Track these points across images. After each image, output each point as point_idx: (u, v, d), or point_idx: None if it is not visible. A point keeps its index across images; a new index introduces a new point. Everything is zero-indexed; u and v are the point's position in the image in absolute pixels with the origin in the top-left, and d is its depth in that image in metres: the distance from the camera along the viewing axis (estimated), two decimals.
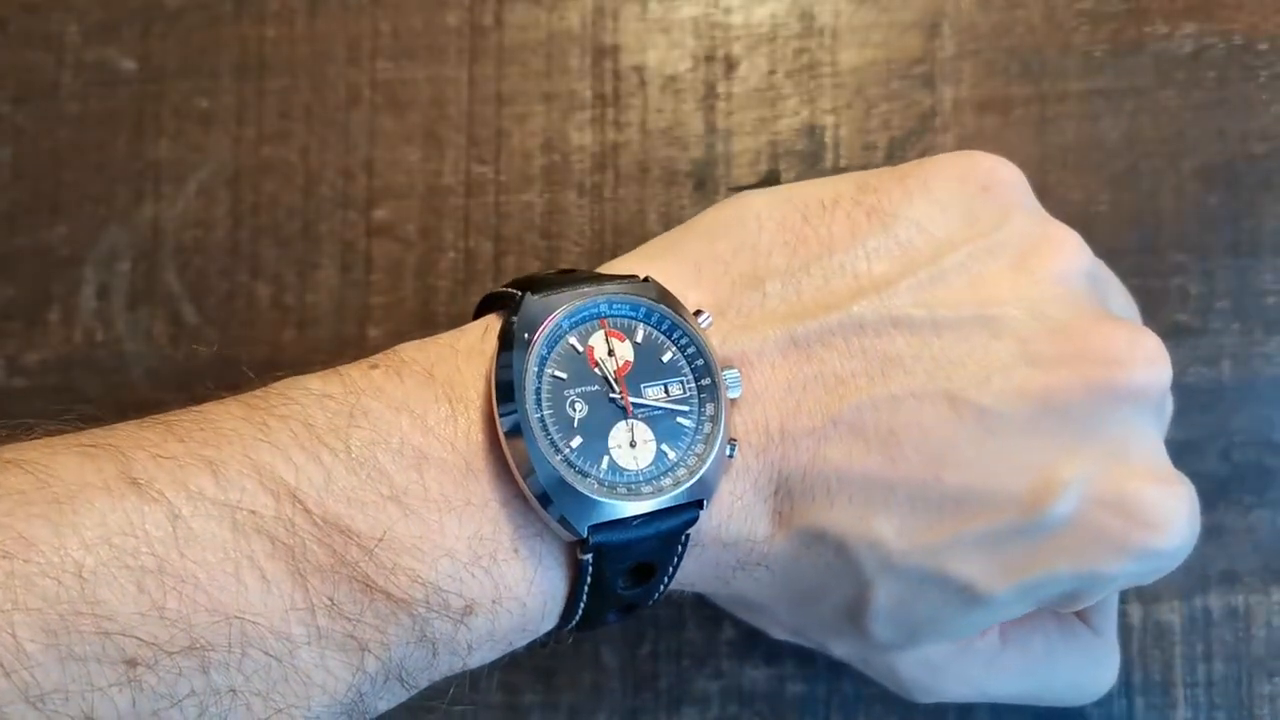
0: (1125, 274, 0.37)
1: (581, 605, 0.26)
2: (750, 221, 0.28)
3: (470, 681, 0.38)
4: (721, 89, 0.39)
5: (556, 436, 0.25)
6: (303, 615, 0.23)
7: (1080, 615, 0.31)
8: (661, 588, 0.27)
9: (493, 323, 0.27)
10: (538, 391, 0.25)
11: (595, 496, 0.24)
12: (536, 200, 0.39)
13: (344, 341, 0.39)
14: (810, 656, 0.37)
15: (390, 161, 0.40)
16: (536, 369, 0.25)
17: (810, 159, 0.39)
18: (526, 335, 0.25)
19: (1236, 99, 0.37)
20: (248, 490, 0.23)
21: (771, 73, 0.39)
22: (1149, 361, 0.26)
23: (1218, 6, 0.38)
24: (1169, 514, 0.26)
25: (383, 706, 0.25)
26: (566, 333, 0.25)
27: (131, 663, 0.21)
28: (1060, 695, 0.32)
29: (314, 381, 0.25)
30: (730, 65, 0.39)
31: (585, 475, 0.24)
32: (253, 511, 0.23)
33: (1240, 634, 0.36)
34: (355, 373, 0.25)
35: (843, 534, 0.26)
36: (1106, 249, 0.36)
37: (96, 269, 0.40)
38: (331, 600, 0.23)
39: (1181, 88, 0.38)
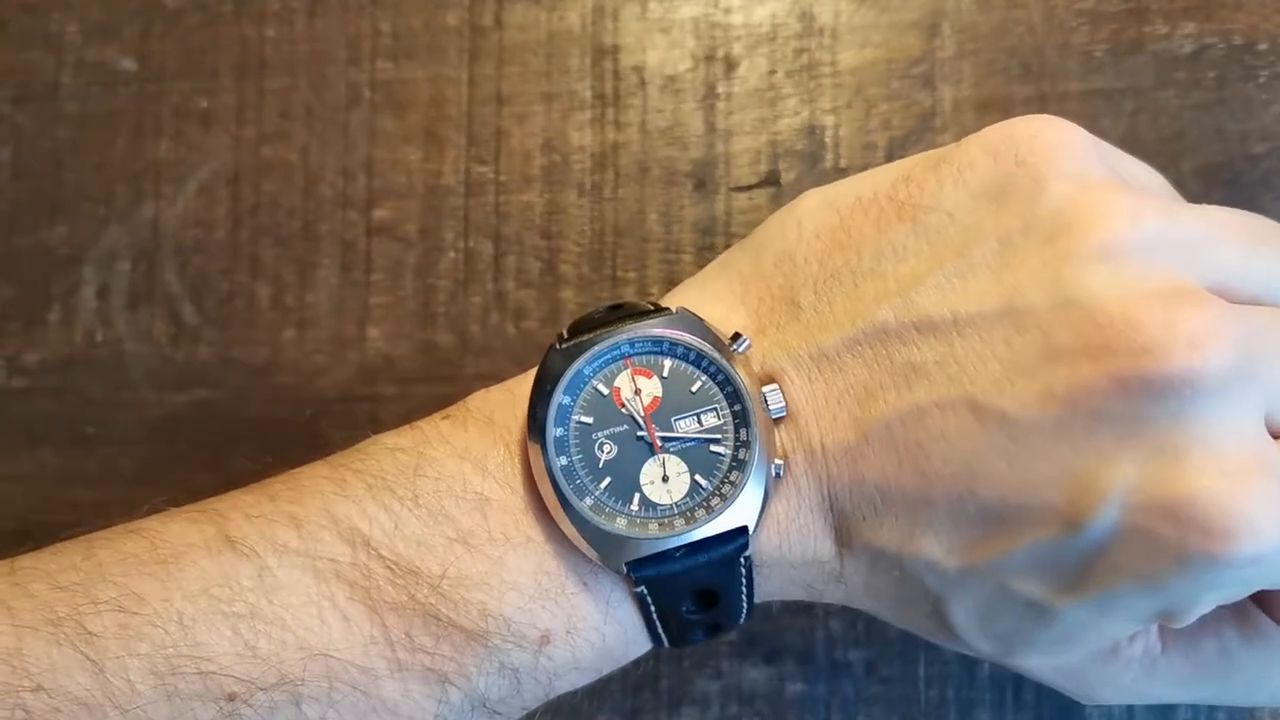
0: None
1: (660, 630, 0.27)
2: (792, 229, 0.27)
3: None
4: (721, 89, 0.39)
5: (585, 480, 0.26)
6: (382, 649, 0.25)
7: (1269, 607, 0.27)
8: (743, 607, 0.27)
9: None
10: (562, 440, 0.26)
11: (624, 534, 0.25)
12: (536, 200, 0.39)
13: (344, 341, 0.39)
14: (810, 656, 0.37)
15: (390, 161, 0.40)
16: (559, 418, 0.26)
17: (810, 159, 0.39)
18: (549, 387, 0.26)
19: (1236, 99, 0.37)
20: (326, 541, 0.25)
21: (771, 73, 0.39)
22: (1191, 345, 0.22)
23: (1218, 6, 0.38)
24: (1232, 514, 0.22)
25: None
26: (590, 378, 0.26)
27: (230, 697, 0.24)
28: (1248, 699, 0.29)
29: (389, 437, 0.27)
30: (730, 65, 0.39)
31: (616, 515, 0.25)
32: (332, 560, 0.25)
33: None
34: (426, 425, 0.27)
35: (897, 553, 0.25)
36: None
37: (96, 269, 0.40)
38: (408, 635, 0.25)
39: (1181, 88, 0.38)
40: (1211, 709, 0.35)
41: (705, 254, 0.38)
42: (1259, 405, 0.23)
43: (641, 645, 0.27)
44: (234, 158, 0.40)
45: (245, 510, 0.26)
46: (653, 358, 0.26)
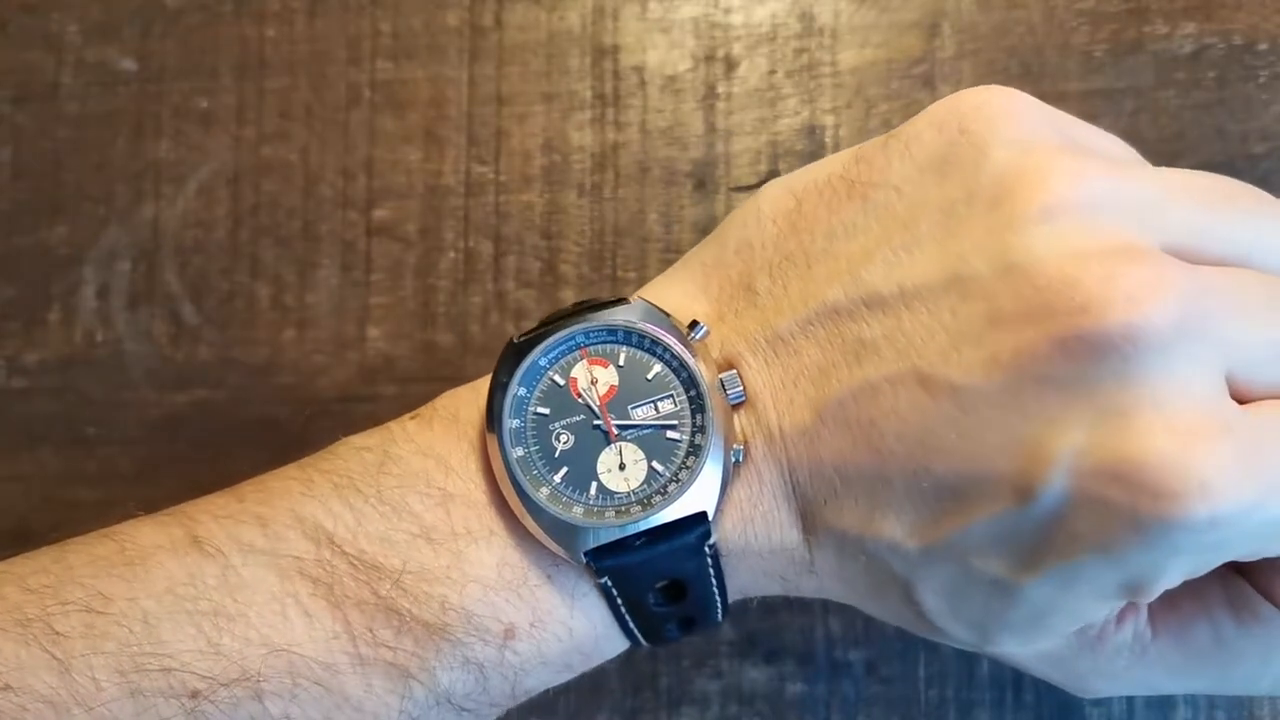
0: None
1: (630, 625, 0.27)
2: (752, 217, 0.28)
3: None
4: (721, 89, 0.39)
5: (542, 470, 0.26)
6: (344, 645, 0.25)
7: (1267, 590, 0.26)
8: (715, 601, 0.27)
9: None
10: (518, 431, 0.26)
11: (581, 523, 0.25)
12: (536, 200, 0.39)
13: (344, 342, 0.39)
14: (810, 656, 0.37)
15: (390, 161, 0.40)
16: (515, 409, 0.26)
17: (810, 159, 0.39)
18: (505, 379, 0.26)
19: (1236, 99, 0.37)
20: (290, 539, 0.25)
21: (771, 73, 0.39)
22: (1132, 300, 0.21)
23: (1218, 6, 0.38)
24: (1185, 474, 0.20)
25: None
26: (546, 370, 0.26)
27: (193, 694, 0.24)
28: (1251, 688, 0.27)
29: (358, 438, 0.28)
30: (730, 65, 0.39)
31: (572, 503, 0.26)
32: (295, 557, 0.25)
33: None
34: (394, 425, 0.28)
35: (859, 536, 0.25)
36: None
37: (96, 269, 0.40)
38: (370, 630, 0.25)
39: (1181, 88, 0.38)
40: (1211, 706, 0.35)
41: None
42: (1213, 364, 0.22)
43: (615, 642, 0.27)
44: (234, 158, 0.40)
45: (213, 512, 0.26)
46: (609, 347, 0.27)
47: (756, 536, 0.26)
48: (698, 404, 0.26)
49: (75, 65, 0.41)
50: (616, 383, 0.26)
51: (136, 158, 0.40)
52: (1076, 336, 0.21)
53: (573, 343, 0.27)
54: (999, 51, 0.38)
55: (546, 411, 0.26)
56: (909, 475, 0.24)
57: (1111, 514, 0.22)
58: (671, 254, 0.39)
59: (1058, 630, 0.26)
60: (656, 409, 0.26)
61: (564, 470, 0.26)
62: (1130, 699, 0.36)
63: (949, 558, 0.24)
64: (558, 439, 0.26)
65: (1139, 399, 0.21)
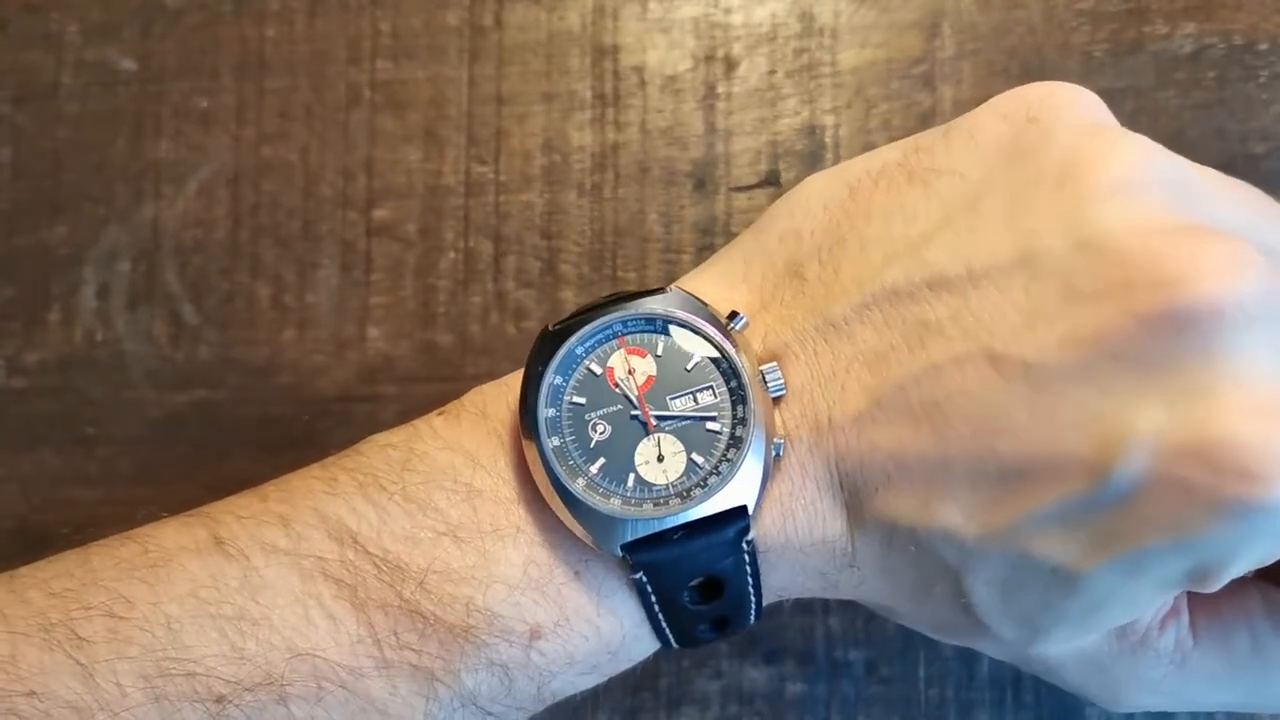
0: None
1: (662, 624, 0.26)
2: (799, 206, 0.27)
3: None
4: (721, 89, 0.39)
5: (579, 460, 0.25)
6: (369, 648, 0.25)
7: None
8: (750, 601, 0.26)
9: None
10: (554, 420, 0.25)
11: (619, 514, 0.25)
12: (536, 200, 0.39)
13: (344, 341, 0.39)
14: (810, 656, 0.37)
15: (390, 161, 0.40)
16: (551, 398, 0.25)
17: (810, 159, 0.39)
18: (540, 368, 0.25)
19: (1236, 99, 0.37)
20: (313, 539, 0.25)
21: (771, 73, 0.39)
22: (1216, 274, 0.21)
23: (1218, 6, 0.38)
24: (1271, 457, 0.20)
25: None
26: (582, 358, 0.26)
27: (218, 699, 0.24)
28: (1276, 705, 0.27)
29: (383, 435, 0.27)
30: (730, 65, 0.39)
31: (610, 495, 0.25)
32: (318, 558, 0.25)
33: None
34: (421, 422, 0.27)
35: (912, 525, 0.24)
36: None
37: (96, 269, 0.40)
38: (394, 633, 0.25)
39: (1181, 88, 0.38)
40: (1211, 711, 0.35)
41: (705, 254, 0.38)
42: None
43: (645, 643, 0.26)
44: (234, 158, 0.40)
45: (236, 512, 0.26)
46: (646, 336, 0.26)
47: (798, 531, 0.25)
48: (739, 395, 0.25)
49: (75, 65, 0.41)
50: (655, 373, 0.26)
51: (136, 158, 0.40)
52: (1162, 310, 0.21)
53: (610, 331, 0.26)
54: (999, 51, 0.38)
55: (583, 401, 0.26)
56: (973, 458, 0.23)
57: (1190, 496, 0.21)
58: (671, 254, 0.39)
59: (1113, 620, 0.25)
60: (696, 400, 0.26)
61: (601, 461, 0.25)
62: None
63: (1008, 544, 0.23)
64: (594, 429, 0.25)
65: (1222, 376, 0.21)
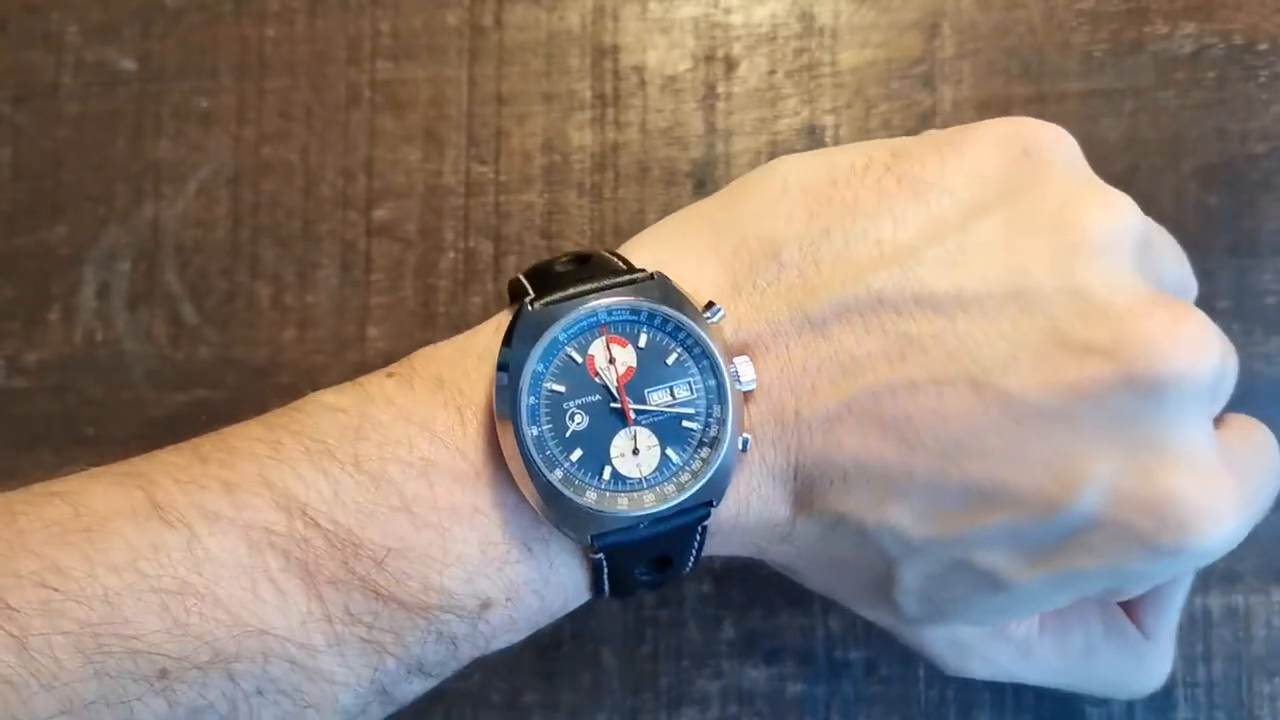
0: None
1: (605, 590, 0.26)
2: (776, 184, 0.27)
3: (473, 679, 0.38)
4: (721, 89, 0.39)
5: (555, 451, 0.25)
6: (320, 624, 0.24)
7: (1133, 614, 0.30)
8: (687, 568, 0.27)
9: (503, 320, 0.27)
10: (533, 409, 0.25)
11: (594, 508, 0.24)
12: (536, 200, 0.39)
13: (344, 341, 0.39)
14: (810, 656, 0.37)
15: (390, 161, 0.40)
16: (531, 386, 0.25)
17: None
18: (522, 352, 0.25)
19: (1236, 99, 0.37)
20: (260, 508, 0.24)
21: (771, 73, 0.39)
22: (1192, 351, 0.23)
23: (1218, 6, 0.38)
24: (1204, 513, 0.23)
25: (415, 690, 0.26)
26: (564, 345, 0.25)
27: (162, 674, 0.23)
28: (1097, 690, 0.31)
29: (330, 395, 0.26)
30: (730, 65, 0.39)
31: (585, 488, 0.25)
32: (266, 529, 0.24)
33: (1240, 634, 0.36)
34: (370, 383, 0.26)
35: (861, 520, 0.25)
36: None
37: (96, 269, 0.40)
38: (346, 608, 0.24)
39: (1181, 88, 0.38)
40: (1211, 707, 0.35)
41: None
42: (1216, 408, 0.26)
43: (579, 601, 0.27)
44: (234, 158, 0.40)
45: (174, 474, 0.24)
46: (630, 326, 0.25)
47: (749, 516, 0.26)
48: (716, 395, 0.25)
49: (75, 65, 0.41)
50: (634, 364, 0.25)
51: (136, 158, 0.40)
52: (1143, 374, 0.23)
53: (595, 320, 0.25)
54: (999, 51, 0.38)
55: (562, 389, 0.25)
56: (937, 474, 0.24)
57: (1132, 537, 0.24)
58: None
59: (1016, 617, 0.28)
60: (672, 394, 0.25)
61: (578, 452, 0.25)
62: (1130, 702, 0.36)
63: (953, 550, 0.25)
64: (571, 419, 0.25)
65: (1173, 437, 0.24)
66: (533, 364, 0.25)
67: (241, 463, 0.24)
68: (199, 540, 0.23)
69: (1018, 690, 0.36)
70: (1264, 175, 0.37)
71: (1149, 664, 0.30)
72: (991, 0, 0.39)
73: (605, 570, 0.26)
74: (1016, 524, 0.24)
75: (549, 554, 0.25)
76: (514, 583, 0.25)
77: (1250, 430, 0.27)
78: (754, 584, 0.37)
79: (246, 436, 0.25)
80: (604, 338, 0.25)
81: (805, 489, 0.26)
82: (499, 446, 0.25)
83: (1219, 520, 0.24)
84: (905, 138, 0.28)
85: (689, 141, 0.39)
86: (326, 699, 0.24)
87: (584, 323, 0.25)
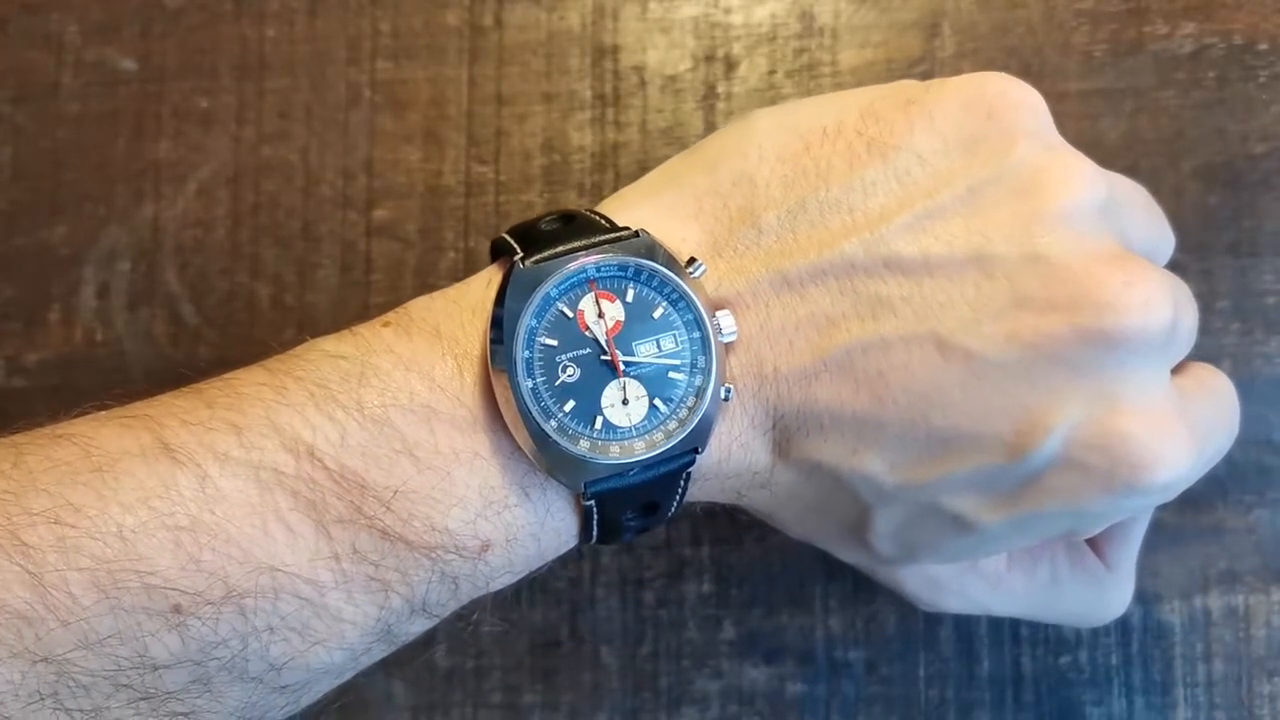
0: None
1: (594, 535, 0.28)
2: (752, 151, 0.28)
3: (473, 680, 0.38)
4: (721, 89, 0.39)
5: (550, 402, 0.26)
6: (328, 562, 0.25)
7: (1096, 547, 0.32)
8: (670, 514, 0.28)
9: (494, 275, 0.28)
10: (529, 362, 0.26)
11: (587, 456, 0.26)
12: (536, 200, 0.39)
13: None
14: (810, 656, 0.37)
15: (390, 161, 0.40)
16: (526, 340, 0.26)
17: None
18: (515, 308, 0.26)
19: (1236, 99, 0.37)
20: (269, 450, 0.25)
21: (771, 73, 0.39)
22: (1144, 306, 0.25)
23: (1218, 6, 0.38)
24: (1156, 453, 0.25)
25: (415, 630, 0.27)
26: (555, 300, 0.26)
27: (176, 609, 0.23)
28: (1062, 619, 0.33)
29: (329, 343, 0.27)
30: (730, 65, 0.39)
31: (579, 437, 0.26)
32: (275, 469, 0.24)
33: (1240, 634, 0.36)
34: (367, 331, 0.27)
35: (836, 466, 0.27)
36: None
37: (96, 269, 0.40)
38: (354, 547, 0.25)
39: (1181, 88, 0.38)
40: (1211, 707, 0.35)
41: None
42: (1175, 359, 0.27)
43: (569, 545, 0.28)
44: (234, 158, 0.40)
45: (181, 416, 0.25)
46: (618, 281, 0.27)
47: (730, 463, 0.28)
48: (700, 346, 0.26)
49: (75, 65, 0.41)
50: (623, 318, 0.26)
51: (136, 158, 0.40)
52: (1099, 329, 0.25)
53: (584, 275, 0.26)
54: (999, 51, 0.38)
55: (554, 343, 0.26)
56: (906, 424, 0.26)
57: (1090, 477, 0.26)
58: None
59: (981, 556, 0.30)
60: (659, 346, 0.26)
61: (571, 403, 0.26)
62: (1130, 700, 0.36)
63: (922, 494, 0.27)
64: (564, 371, 0.26)
65: (1129, 386, 0.26)
66: (527, 319, 0.26)
67: (248, 406, 0.25)
68: (210, 479, 0.24)
69: (1018, 690, 0.36)
70: (1264, 175, 0.37)
71: (1110, 593, 0.32)
72: (991, 0, 0.39)
73: (595, 516, 0.27)
74: (981, 470, 0.26)
75: (545, 499, 0.27)
76: (512, 526, 0.26)
77: (1207, 376, 0.29)
78: (754, 584, 0.37)
79: (251, 381, 0.26)
80: (593, 293, 0.26)
81: (783, 438, 0.27)
82: (494, 396, 0.26)
83: (1169, 460, 0.25)
84: (873, 93, 0.28)
85: (689, 141, 0.39)
86: (333, 635, 0.25)
87: (574, 278, 0.26)
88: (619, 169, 0.39)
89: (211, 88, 0.41)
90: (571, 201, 0.39)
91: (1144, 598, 0.36)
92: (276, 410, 0.25)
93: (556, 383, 0.26)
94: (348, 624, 0.25)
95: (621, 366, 0.26)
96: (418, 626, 0.27)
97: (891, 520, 0.28)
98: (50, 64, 0.41)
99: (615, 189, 0.39)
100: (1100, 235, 0.26)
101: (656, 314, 0.27)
